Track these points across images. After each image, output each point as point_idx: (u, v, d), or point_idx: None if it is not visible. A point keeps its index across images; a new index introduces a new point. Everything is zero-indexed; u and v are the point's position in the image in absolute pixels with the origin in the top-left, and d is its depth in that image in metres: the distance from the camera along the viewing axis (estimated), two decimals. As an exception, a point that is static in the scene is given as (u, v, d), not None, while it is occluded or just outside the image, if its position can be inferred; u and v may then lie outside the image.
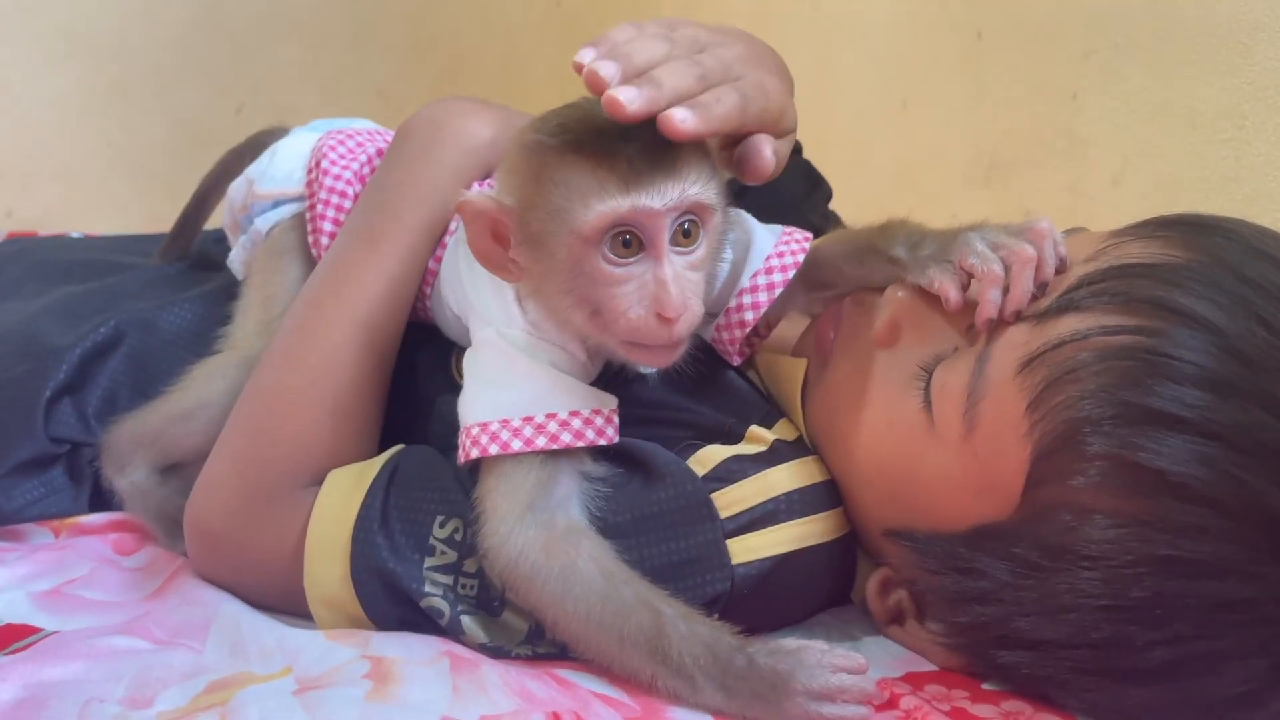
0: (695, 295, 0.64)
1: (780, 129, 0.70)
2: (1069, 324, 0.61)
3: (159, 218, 1.11)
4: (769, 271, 0.73)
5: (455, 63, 2.07)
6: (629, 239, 0.62)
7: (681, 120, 0.60)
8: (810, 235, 0.76)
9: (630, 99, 0.60)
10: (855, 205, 0.77)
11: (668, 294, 0.62)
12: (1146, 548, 0.57)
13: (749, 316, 0.73)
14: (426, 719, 0.59)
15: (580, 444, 0.68)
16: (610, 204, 0.61)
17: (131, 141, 1.84)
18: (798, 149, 1.06)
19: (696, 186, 0.63)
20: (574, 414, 0.68)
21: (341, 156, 0.86)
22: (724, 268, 0.74)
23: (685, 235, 0.64)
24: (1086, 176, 1.28)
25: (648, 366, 0.72)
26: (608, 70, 0.61)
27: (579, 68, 0.63)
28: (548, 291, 0.66)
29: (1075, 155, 1.30)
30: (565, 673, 0.66)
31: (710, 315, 0.74)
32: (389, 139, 0.88)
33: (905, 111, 1.59)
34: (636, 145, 0.61)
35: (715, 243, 0.67)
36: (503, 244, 0.66)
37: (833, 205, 1.09)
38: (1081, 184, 1.29)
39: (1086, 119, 1.28)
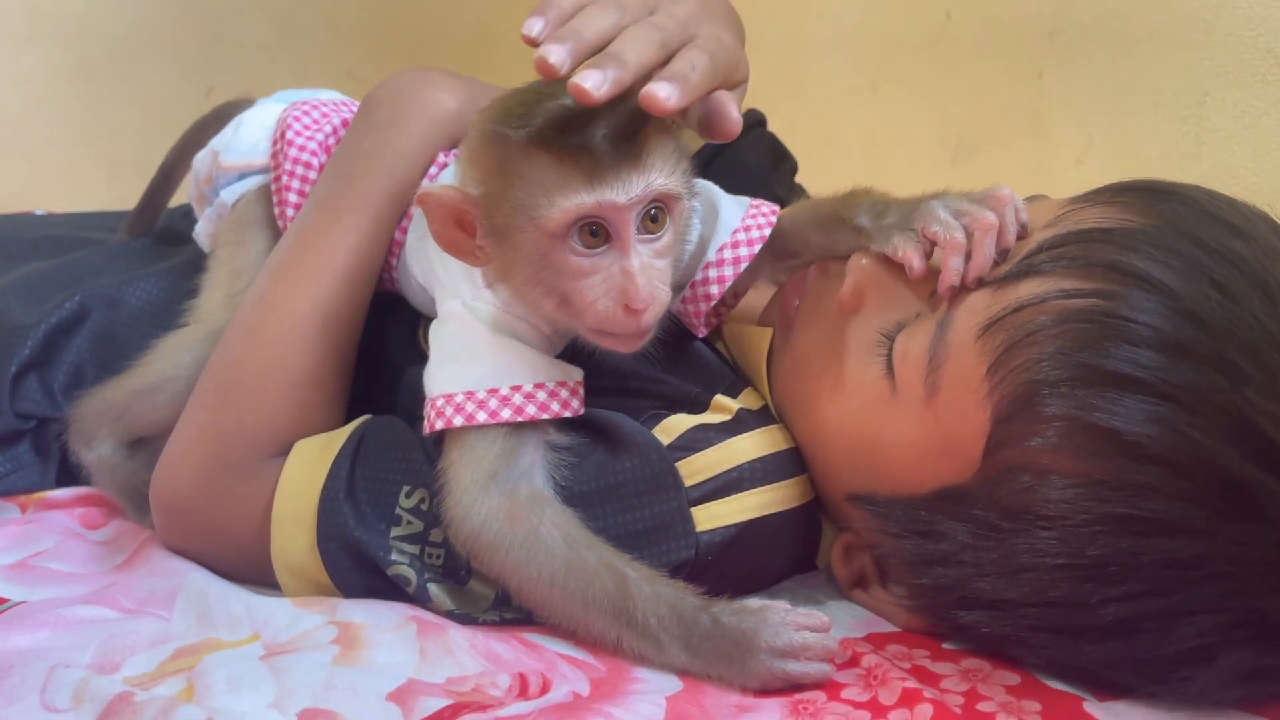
0: (662, 283, 0.64)
1: (734, 82, 0.70)
2: (1028, 288, 0.62)
3: (129, 201, 1.10)
4: (735, 246, 0.74)
5: (425, 43, 2.06)
6: (596, 229, 0.62)
7: (666, 98, 0.59)
8: (777, 208, 0.76)
9: (597, 85, 0.59)
10: (825, 185, 0.78)
11: (635, 286, 0.62)
12: (1102, 507, 0.58)
13: (714, 290, 0.74)
14: (393, 682, 0.60)
15: (545, 416, 0.68)
16: (575, 200, 0.61)
17: (99, 124, 1.82)
18: (762, 121, 1.06)
19: (662, 176, 0.62)
20: (539, 386, 0.69)
21: (306, 127, 0.86)
22: (690, 242, 0.74)
23: (653, 221, 0.63)
24: (1051, 155, 1.30)
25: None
26: (557, 56, 0.60)
27: (529, 40, 0.61)
28: (515, 280, 0.66)
29: (1040, 134, 1.31)
30: (532, 635, 0.66)
31: (676, 287, 0.75)
32: (355, 109, 0.88)
33: (875, 92, 1.60)
34: (599, 134, 0.60)
35: (682, 225, 0.67)
36: (468, 231, 0.66)
37: (803, 185, 1.09)
38: (1047, 162, 1.30)
39: (1051, 98, 1.30)
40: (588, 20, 0.62)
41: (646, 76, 0.62)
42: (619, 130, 0.61)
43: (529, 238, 0.63)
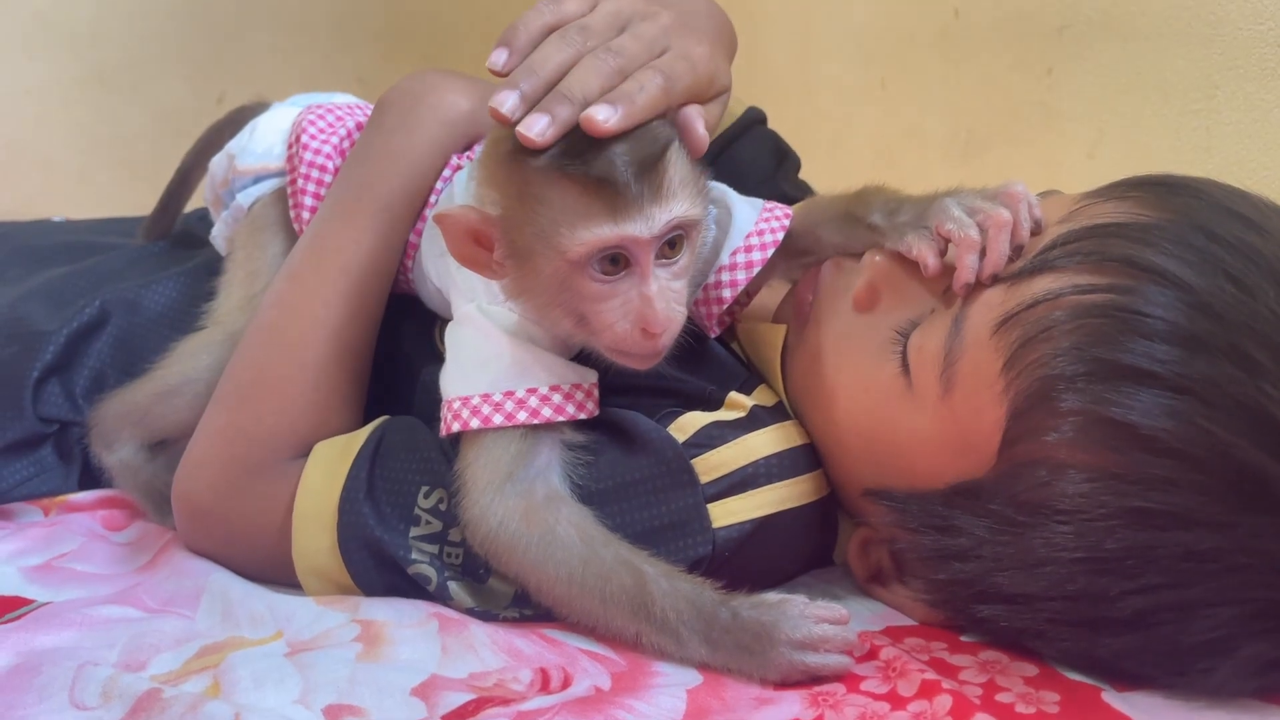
0: (679, 304, 0.65)
1: (710, 95, 0.70)
2: (1043, 284, 0.62)
3: (141, 208, 1.11)
4: (748, 250, 0.74)
5: (436, 49, 2.07)
6: (616, 258, 0.63)
7: (604, 120, 0.60)
8: (790, 211, 0.76)
9: (541, 131, 0.60)
10: (836, 183, 0.78)
11: (653, 311, 0.63)
12: (1118, 500, 0.58)
13: (726, 294, 0.74)
14: (417, 677, 0.61)
15: (561, 418, 0.69)
16: (598, 233, 0.61)
17: (112, 132, 1.83)
18: (762, 119, 1.05)
19: (684, 205, 0.63)
20: (554, 389, 0.69)
21: (321, 131, 0.86)
22: (704, 246, 0.74)
23: (671, 247, 0.64)
24: (1062, 150, 1.30)
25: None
26: (509, 104, 0.62)
27: (494, 71, 0.64)
28: (533, 298, 0.66)
29: (1051, 130, 1.31)
30: (552, 631, 0.67)
31: (690, 289, 0.75)
32: (369, 113, 0.88)
33: (884, 90, 1.60)
34: (622, 164, 0.60)
35: (698, 244, 0.68)
36: (486, 247, 0.66)
37: (813, 185, 1.09)
38: (1057, 158, 1.30)
39: (1061, 93, 1.30)
40: (546, 54, 0.64)
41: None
42: (641, 158, 0.61)
43: (549, 262, 0.63)
